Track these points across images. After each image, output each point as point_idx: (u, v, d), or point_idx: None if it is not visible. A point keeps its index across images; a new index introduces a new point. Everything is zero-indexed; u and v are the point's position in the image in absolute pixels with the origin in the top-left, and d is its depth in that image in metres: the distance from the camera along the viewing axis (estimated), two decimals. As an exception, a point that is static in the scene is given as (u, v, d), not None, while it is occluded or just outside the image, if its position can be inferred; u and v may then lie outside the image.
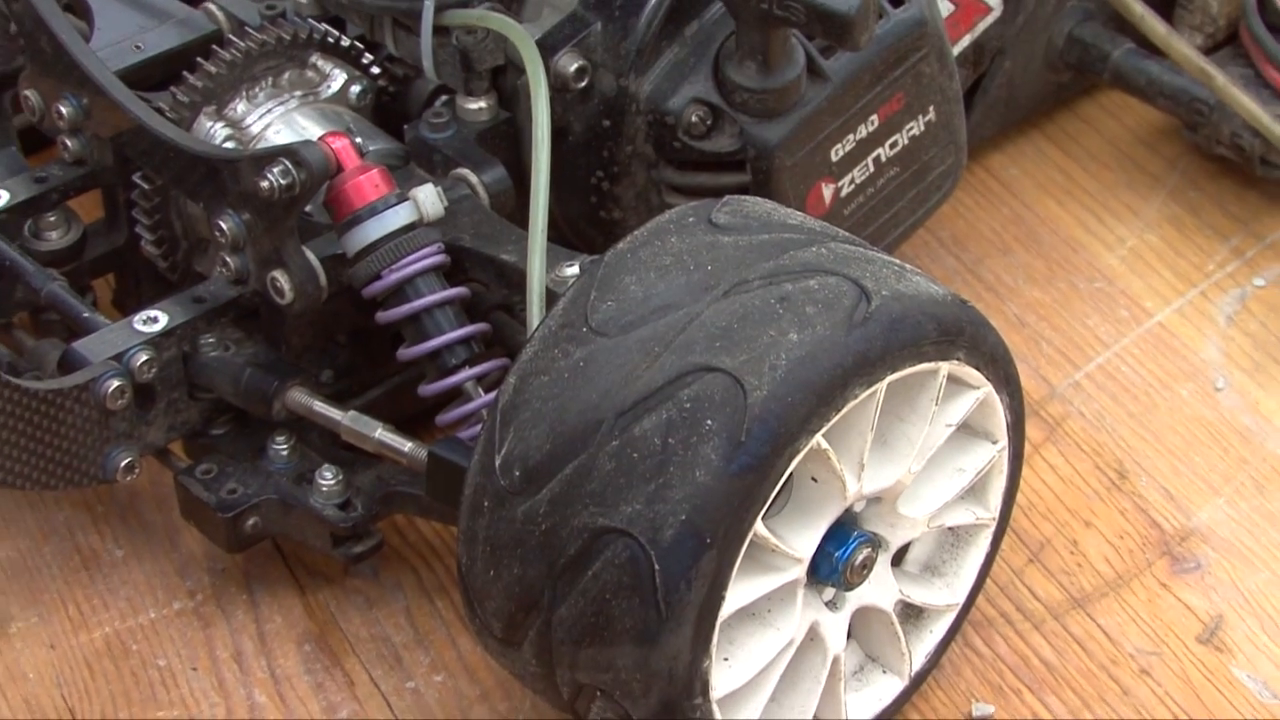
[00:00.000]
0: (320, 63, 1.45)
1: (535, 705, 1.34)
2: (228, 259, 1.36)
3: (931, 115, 1.46)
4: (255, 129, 1.43)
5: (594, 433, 1.14)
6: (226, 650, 1.38)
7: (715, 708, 1.19)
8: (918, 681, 1.33)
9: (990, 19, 1.62)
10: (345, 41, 1.46)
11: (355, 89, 1.45)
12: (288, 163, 1.29)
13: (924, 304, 1.19)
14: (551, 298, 1.27)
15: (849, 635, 1.28)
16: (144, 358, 1.32)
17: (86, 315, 1.36)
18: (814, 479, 1.20)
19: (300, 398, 1.35)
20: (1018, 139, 1.76)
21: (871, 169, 1.44)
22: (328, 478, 1.34)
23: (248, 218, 1.32)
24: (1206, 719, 1.34)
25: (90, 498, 1.47)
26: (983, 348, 1.23)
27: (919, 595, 1.31)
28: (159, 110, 1.39)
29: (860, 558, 1.23)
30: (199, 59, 1.43)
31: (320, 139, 1.32)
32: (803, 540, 1.21)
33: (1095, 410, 1.54)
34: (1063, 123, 1.78)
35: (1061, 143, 1.76)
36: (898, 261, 1.22)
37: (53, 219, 1.44)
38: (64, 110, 1.42)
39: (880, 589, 1.27)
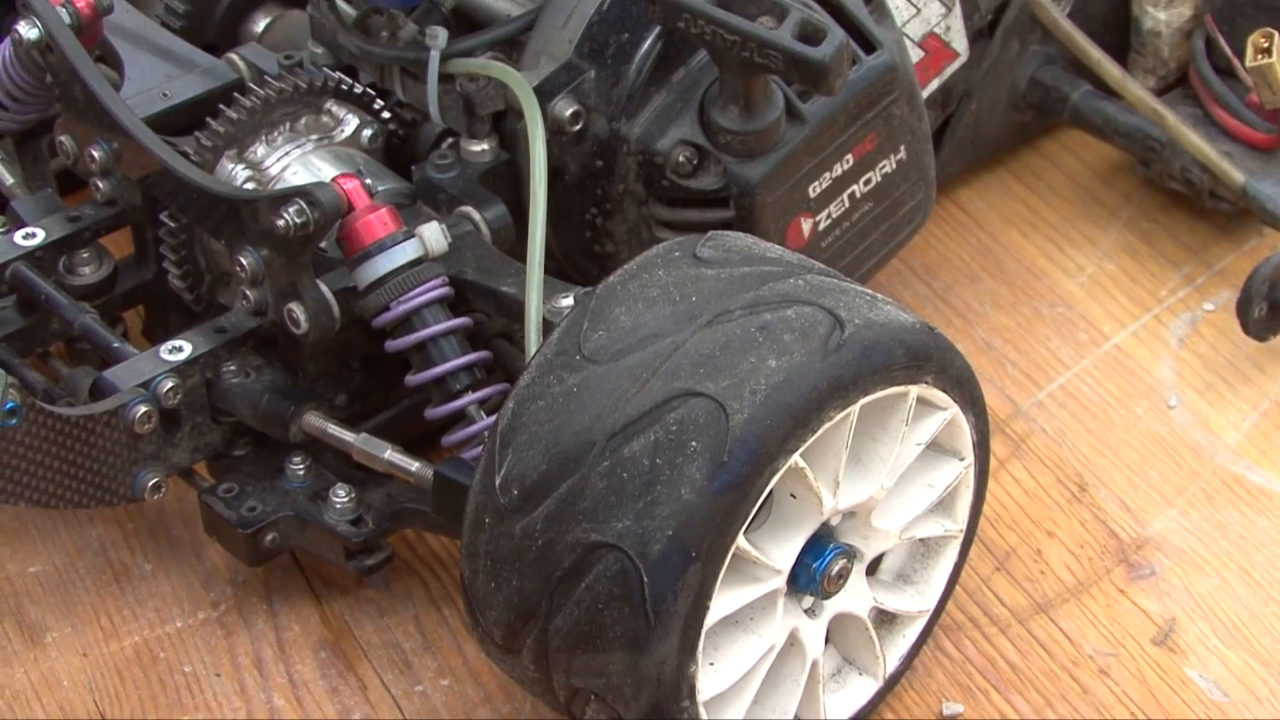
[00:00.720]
0: (334, 108, 1.45)
1: (535, 707, 1.34)
2: (248, 292, 1.36)
3: (903, 154, 1.46)
4: (274, 170, 1.43)
5: (586, 454, 1.13)
6: (248, 657, 1.38)
7: (702, 709, 1.19)
8: (891, 683, 1.33)
9: (957, 64, 1.62)
10: (358, 89, 1.46)
11: (367, 133, 1.45)
12: (303, 203, 1.29)
13: (894, 331, 1.19)
14: (548, 327, 1.27)
15: (827, 640, 1.28)
16: (170, 384, 1.32)
17: (116, 345, 1.36)
18: (792, 495, 1.20)
19: (315, 421, 1.35)
20: (984, 175, 1.76)
21: (847, 204, 1.44)
22: (341, 495, 1.34)
23: (266, 254, 1.32)
24: (1161, 717, 1.34)
25: (121, 515, 1.47)
26: (950, 372, 1.23)
27: (892, 602, 1.30)
28: (184, 154, 1.39)
29: (837, 568, 1.23)
30: (222, 106, 1.43)
31: (333, 180, 1.32)
32: (782, 553, 1.21)
33: (1057, 427, 1.54)
34: (1026, 159, 1.78)
35: (1025, 178, 1.76)
36: (870, 292, 1.22)
37: (86, 255, 1.44)
38: (96, 154, 1.42)
39: (856, 597, 1.27)
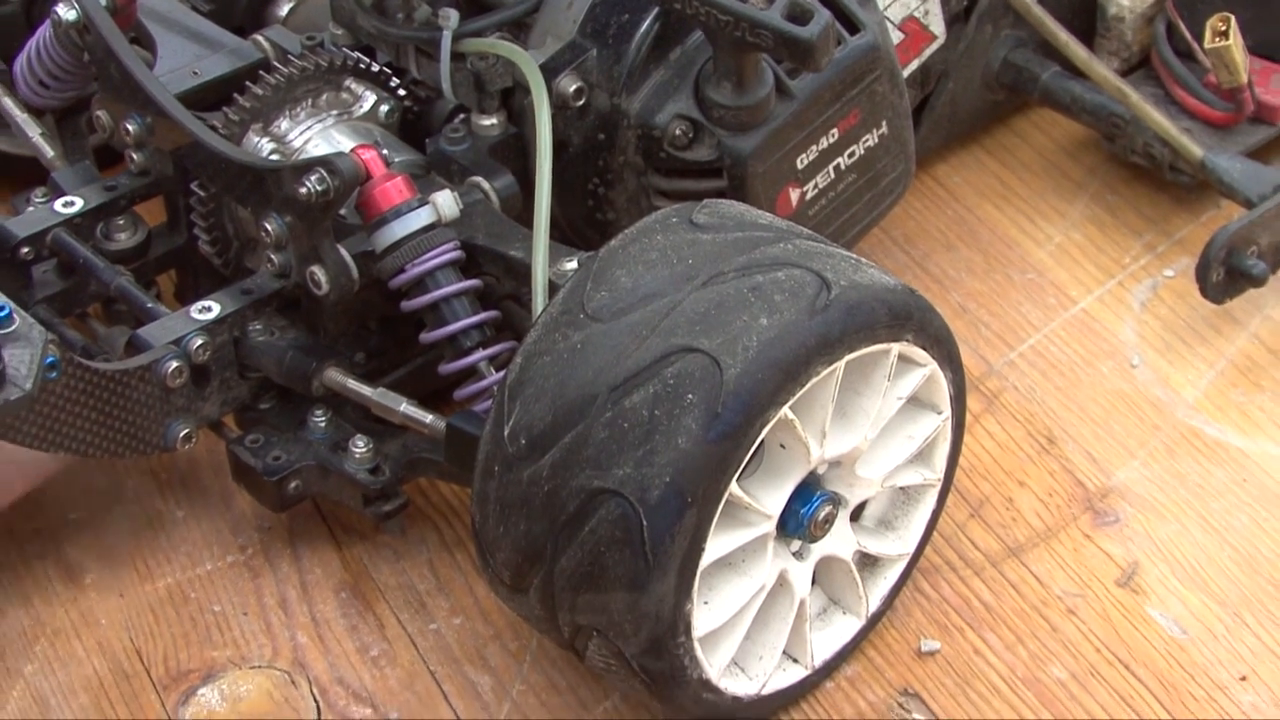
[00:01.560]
0: (353, 85, 1.44)
1: (541, 644, 1.32)
2: (272, 256, 1.34)
3: (884, 129, 1.45)
4: (296, 143, 1.41)
5: (590, 405, 1.12)
6: (273, 598, 1.36)
7: (697, 645, 1.17)
8: (874, 621, 1.31)
9: (935, 45, 1.60)
10: (375, 67, 1.45)
11: (384, 108, 1.44)
12: (324, 171, 1.28)
13: (878, 292, 1.17)
14: (553, 288, 1.26)
15: (813, 581, 1.26)
16: (199, 342, 1.31)
17: (150, 305, 1.35)
18: (782, 445, 1.19)
19: (336, 376, 1.33)
20: (960, 150, 1.74)
21: (832, 175, 1.43)
22: (360, 446, 1.33)
23: (289, 220, 1.31)
24: (1124, 653, 1.32)
25: (154, 465, 1.45)
26: (929, 330, 1.22)
27: (874, 546, 1.29)
28: (213, 127, 1.38)
29: (823, 514, 1.22)
30: (248, 83, 1.41)
31: (352, 151, 1.31)
32: (772, 499, 1.19)
33: (1027, 385, 1.52)
34: (999, 136, 1.76)
35: (998, 153, 1.75)
36: (854, 255, 1.21)
37: (121, 222, 1.42)
38: (131, 128, 1.40)
39: (840, 541, 1.26)
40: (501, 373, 1.24)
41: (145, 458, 1.39)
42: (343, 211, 1.33)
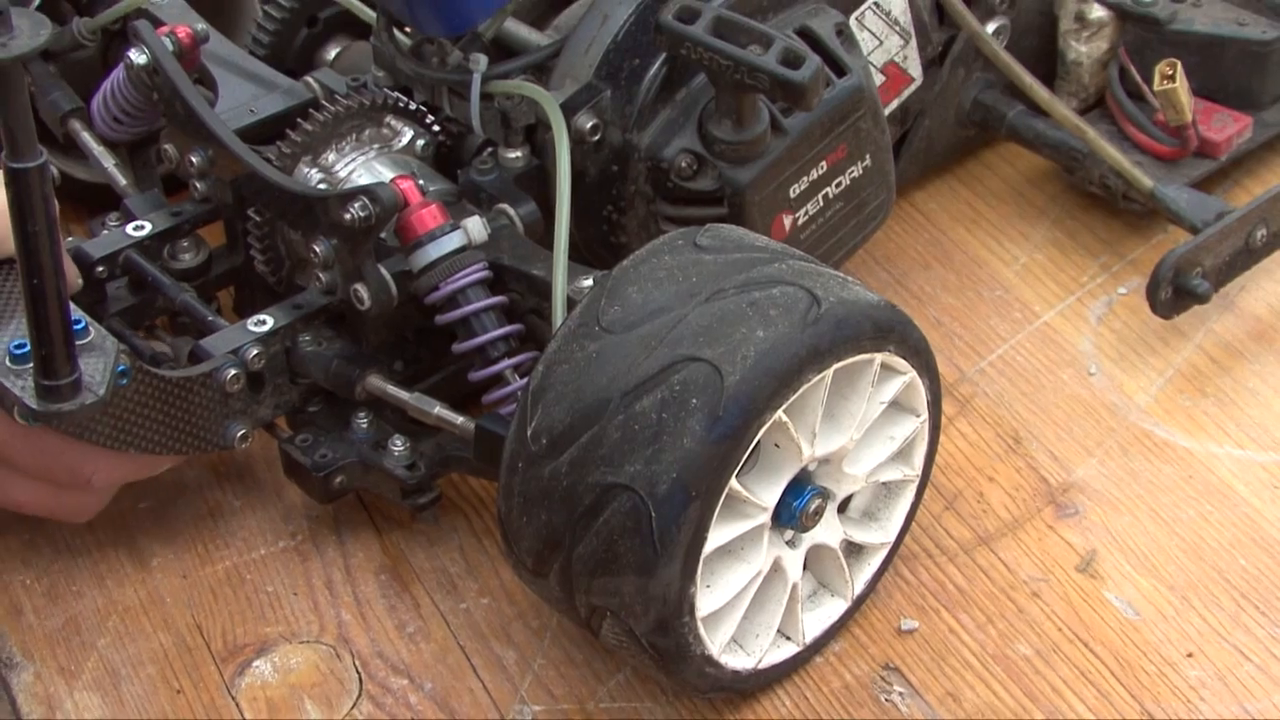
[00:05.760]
0: (393, 122, 1.43)
1: (560, 623, 1.31)
2: (320, 275, 1.33)
3: (868, 161, 1.43)
4: (342, 173, 1.40)
5: (604, 409, 1.11)
6: (320, 579, 1.35)
7: (700, 624, 1.16)
8: (858, 603, 1.30)
9: (913, 87, 1.59)
10: (412, 106, 1.43)
11: (420, 142, 1.42)
12: (366, 199, 1.27)
13: (863, 308, 1.16)
14: (571, 304, 1.25)
15: (805, 567, 1.25)
16: (255, 351, 1.30)
17: (211, 319, 1.34)
18: (776, 445, 1.17)
19: (377, 382, 1.32)
20: (935, 180, 1.73)
21: (821, 203, 1.41)
22: (398, 445, 1.32)
23: (335, 242, 1.30)
24: (1083, 631, 1.31)
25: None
26: (909, 342, 1.21)
27: (859, 535, 1.28)
28: (268, 159, 1.37)
29: (813, 506, 1.20)
30: (299, 120, 1.40)
31: (392, 181, 1.29)
32: (768, 493, 1.18)
33: (996, 391, 1.51)
34: (970, 167, 1.75)
35: (969, 183, 1.73)
36: (842, 274, 1.20)
37: (186, 244, 1.41)
38: (194, 160, 1.39)
39: (829, 531, 1.25)
40: (525, 379, 1.23)
41: (206, 455, 1.38)
42: (383, 235, 1.31)
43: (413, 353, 1.38)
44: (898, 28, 1.55)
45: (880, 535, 1.29)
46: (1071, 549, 1.37)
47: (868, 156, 1.43)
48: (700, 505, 1.10)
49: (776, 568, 1.22)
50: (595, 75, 1.39)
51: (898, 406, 1.25)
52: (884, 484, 1.29)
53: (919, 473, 1.29)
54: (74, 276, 1.33)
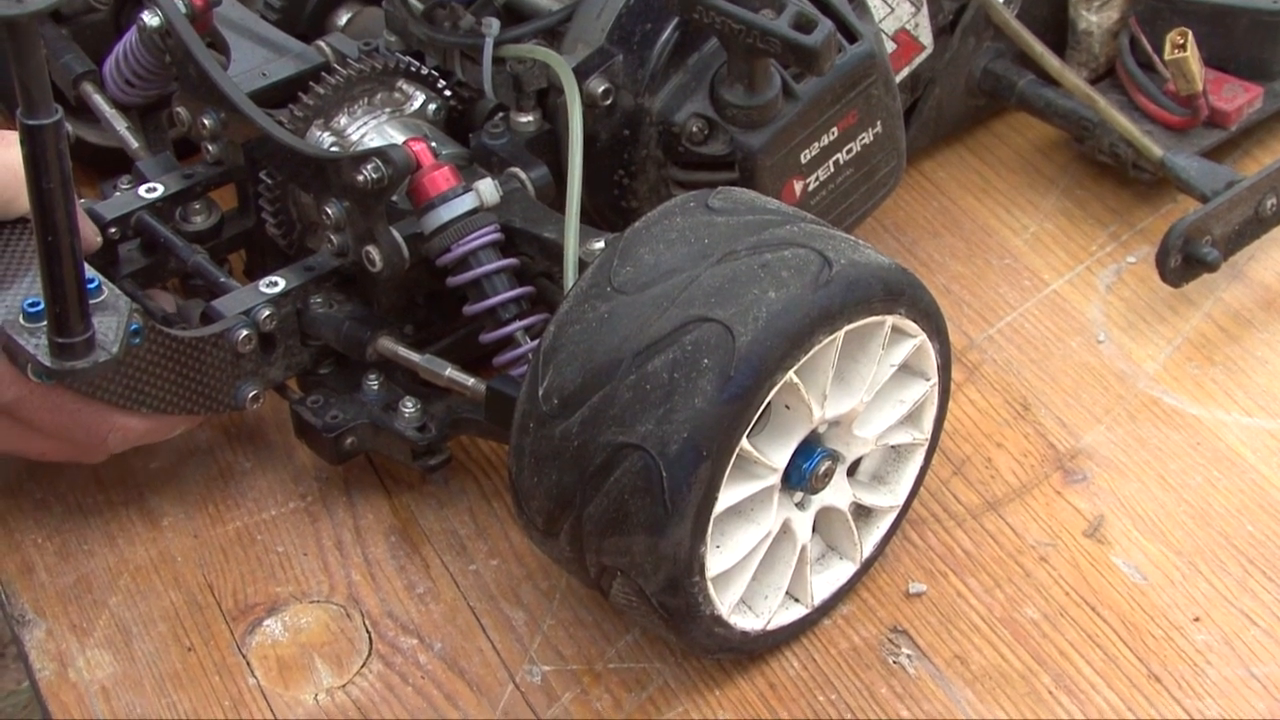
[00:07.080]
0: (405, 86, 1.43)
1: (569, 583, 1.31)
2: (332, 237, 1.33)
3: (879, 128, 1.43)
4: (354, 137, 1.40)
5: (616, 369, 1.11)
6: (330, 540, 1.35)
7: (709, 584, 1.16)
8: (867, 566, 1.30)
9: (924, 55, 1.59)
10: (424, 70, 1.43)
11: (432, 106, 1.42)
12: (379, 161, 1.27)
13: (874, 270, 1.16)
14: (582, 266, 1.25)
15: (814, 529, 1.25)
16: (267, 313, 1.30)
17: (223, 280, 1.34)
18: (787, 406, 1.17)
19: (388, 345, 1.32)
20: (945, 149, 1.72)
21: (832, 169, 1.41)
22: (409, 406, 1.32)
23: (347, 205, 1.30)
24: (1090, 595, 1.31)
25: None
26: (919, 305, 1.20)
27: (868, 498, 1.28)
28: (280, 123, 1.37)
29: (823, 469, 1.20)
30: (311, 83, 1.40)
31: (404, 143, 1.29)
32: (778, 454, 1.18)
33: (1004, 358, 1.51)
34: (980, 137, 1.74)
35: (979, 152, 1.73)
36: (853, 238, 1.20)
37: (198, 206, 1.41)
38: (206, 123, 1.39)
39: (838, 493, 1.25)
40: (536, 341, 1.23)
41: (217, 416, 1.38)
42: (395, 198, 1.31)
43: (424, 315, 1.38)
44: (909, -5, 1.55)
45: (889, 499, 1.29)
46: (1079, 514, 1.37)
47: (879, 123, 1.43)
48: (711, 465, 1.10)
49: (786, 529, 1.22)
50: (607, 39, 1.38)
51: (908, 370, 1.25)
52: (893, 447, 1.29)
53: (928, 436, 1.29)
54: (93, 234, 1.33)
